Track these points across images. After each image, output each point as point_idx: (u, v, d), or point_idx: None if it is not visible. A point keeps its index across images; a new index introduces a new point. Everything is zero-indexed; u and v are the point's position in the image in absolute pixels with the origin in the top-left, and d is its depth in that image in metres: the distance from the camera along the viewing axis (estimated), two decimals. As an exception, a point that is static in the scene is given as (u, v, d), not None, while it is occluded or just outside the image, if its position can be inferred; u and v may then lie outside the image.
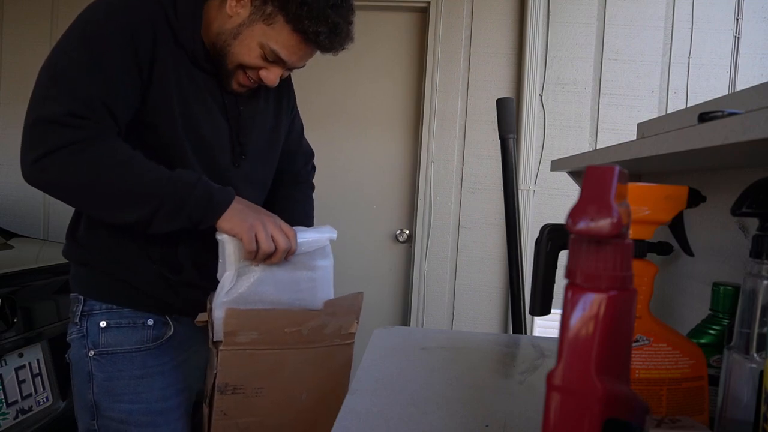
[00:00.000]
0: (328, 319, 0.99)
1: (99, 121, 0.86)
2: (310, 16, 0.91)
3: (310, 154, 1.30)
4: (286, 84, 1.16)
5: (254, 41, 0.94)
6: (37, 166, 0.85)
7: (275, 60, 0.96)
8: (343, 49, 0.99)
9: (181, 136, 0.96)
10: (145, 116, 0.93)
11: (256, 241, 0.91)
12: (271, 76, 0.98)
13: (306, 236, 0.98)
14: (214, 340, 0.94)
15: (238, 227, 0.91)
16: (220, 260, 0.95)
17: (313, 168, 1.32)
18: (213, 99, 1.00)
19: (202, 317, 0.97)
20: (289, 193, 1.23)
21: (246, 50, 0.95)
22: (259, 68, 0.97)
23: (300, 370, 0.99)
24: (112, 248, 0.99)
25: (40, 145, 0.84)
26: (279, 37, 0.94)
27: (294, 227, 0.98)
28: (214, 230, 0.94)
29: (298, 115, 1.24)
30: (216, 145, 1.01)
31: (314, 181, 1.33)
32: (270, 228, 0.92)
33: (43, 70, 0.88)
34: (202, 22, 0.97)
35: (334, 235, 1.01)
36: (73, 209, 1.05)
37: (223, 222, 0.91)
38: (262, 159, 1.11)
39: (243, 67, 0.98)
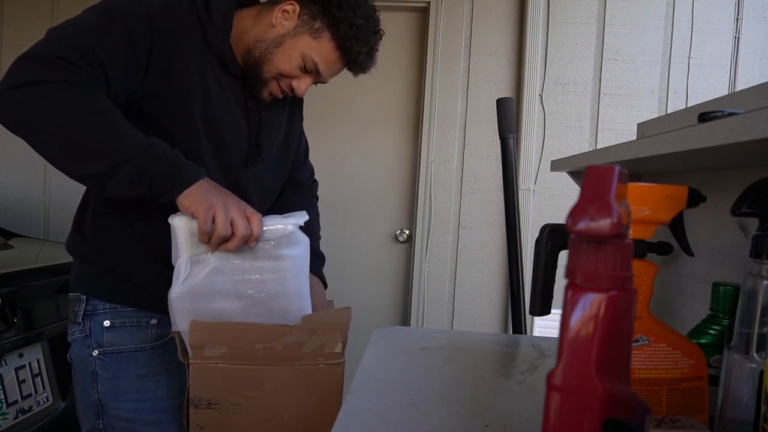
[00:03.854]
0: (305, 336, 0.91)
1: (89, 72, 0.84)
2: (357, 37, 0.98)
3: (313, 170, 1.34)
4: (299, 99, 1.19)
5: (297, 51, 0.99)
6: (12, 94, 0.80)
7: (312, 71, 1.01)
8: (366, 72, 1.06)
9: (198, 132, 0.96)
10: (159, 107, 0.93)
11: (214, 223, 0.85)
12: (303, 85, 1.03)
13: (267, 222, 0.90)
14: (174, 331, 0.90)
15: (197, 205, 0.85)
16: (173, 246, 0.89)
17: (316, 182, 1.35)
18: (235, 100, 1.02)
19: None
20: (291, 200, 1.23)
21: (287, 59, 0.99)
22: (293, 78, 1.02)
23: (280, 389, 0.92)
24: (116, 245, 0.99)
25: (21, 76, 0.81)
26: (322, 51, 0.99)
27: (265, 216, 0.93)
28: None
29: (304, 133, 1.28)
30: (232, 144, 1.02)
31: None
32: (232, 211, 0.86)
33: (56, 25, 0.88)
34: (232, 28, 1.00)
35: (301, 220, 0.93)
36: (75, 205, 1.05)
37: (184, 198, 0.86)
38: (273, 165, 1.13)
39: (279, 76, 1.01)
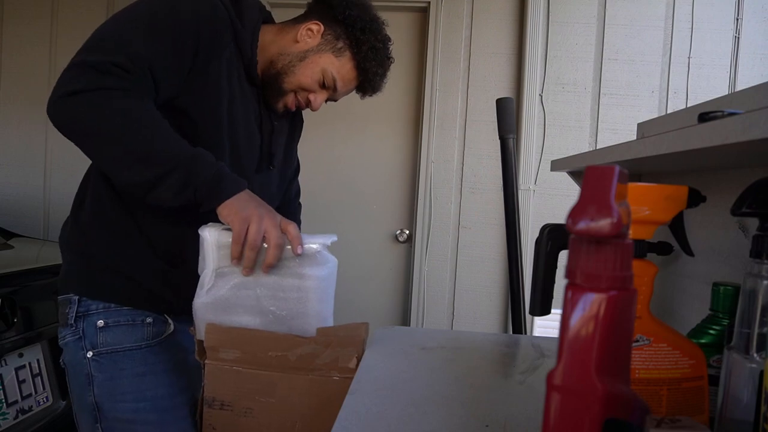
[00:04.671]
0: (319, 348, 0.89)
1: (140, 79, 0.87)
2: (376, 59, 1.07)
3: (299, 191, 1.37)
4: (300, 116, 1.25)
5: (318, 66, 1.05)
6: (68, 100, 0.83)
7: (329, 87, 1.07)
8: (374, 94, 1.13)
9: (222, 132, 0.99)
10: (191, 102, 0.95)
11: (247, 234, 0.86)
12: (319, 100, 1.09)
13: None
14: (197, 338, 0.92)
15: (233, 215, 0.87)
16: (201, 256, 0.90)
17: (300, 205, 1.37)
18: (252, 108, 1.06)
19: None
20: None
21: (309, 72, 1.05)
22: (310, 92, 1.07)
23: (292, 397, 0.91)
24: (117, 238, 0.98)
25: (77, 83, 0.84)
26: (342, 69, 1.06)
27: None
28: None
29: (297, 153, 1.32)
30: (244, 150, 1.04)
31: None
32: (266, 222, 0.87)
33: (101, 26, 0.90)
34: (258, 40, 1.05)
35: (328, 241, 0.91)
36: (72, 201, 1.04)
37: (223, 208, 0.88)
38: (279, 173, 1.18)
39: (298, 89, 1.06)
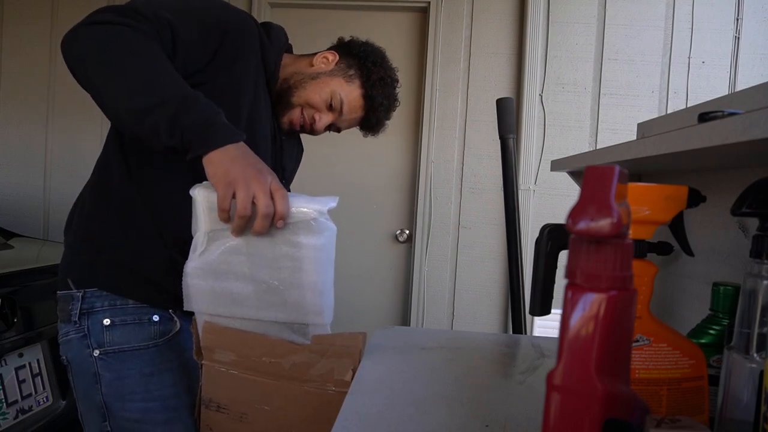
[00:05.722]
0: (314, 358, 0.84)
1: (161, 31, 0.89)
2: (383, 90, 1.14)
3: None
4: (301, 145, 1.31)
5: (328, 87, 1.11)
6: (87, 28, 0.85)
7: (336, 110, 1.13)
8: (377, 132, 1.20)
9: (240, 129, 0.97)
10: (212, 95, 0.92)
11: (234, 199, 0.80)
12: (323, 120, 1.13)
13: (290, 203, 0.83)
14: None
15: (218, 178, 0.80)
16: (193, 217, 0.85)
17: None
18: (268, 119, 1.10)
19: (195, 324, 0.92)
20: None
21: (318, 90, 1.11)
22: (317, 111, 1.12)
23: (288, 407, 0.87)
24: (124, 222, 0.97)
25: (100, 17, 0.86)
26: (350, 94, 1.13)
27: (291, 194, 0.86)
28: None
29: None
30: (262, 153, 1.04)
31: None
32: (254, 186, 0.79)
33: None
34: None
35: (325, 207, 0.82)
36: (72, 201, 1.04)
37: (208, 163, 0.81)
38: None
39: (306, 105, 1.11)
